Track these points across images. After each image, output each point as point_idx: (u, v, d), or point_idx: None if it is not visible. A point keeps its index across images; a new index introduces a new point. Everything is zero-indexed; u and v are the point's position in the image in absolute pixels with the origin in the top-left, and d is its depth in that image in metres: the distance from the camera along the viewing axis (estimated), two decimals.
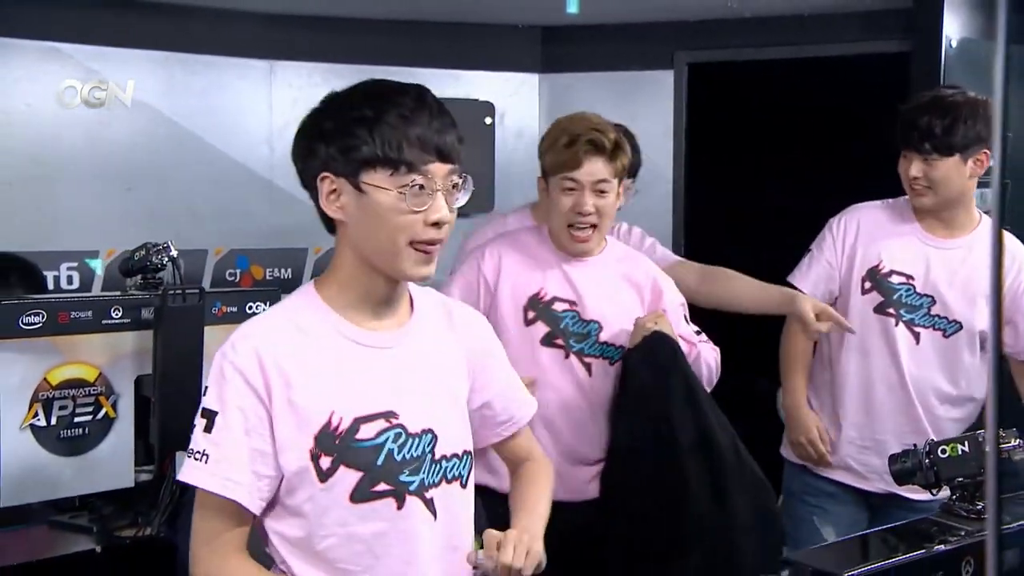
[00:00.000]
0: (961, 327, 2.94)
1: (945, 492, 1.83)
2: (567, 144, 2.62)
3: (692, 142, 4.70)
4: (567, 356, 2.68)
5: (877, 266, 2.97)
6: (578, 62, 4.74)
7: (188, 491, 2.72)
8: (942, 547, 1.64)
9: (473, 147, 4.54)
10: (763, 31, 4.50)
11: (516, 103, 4.78)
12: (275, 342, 1.69)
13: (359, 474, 1.70)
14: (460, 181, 1.73)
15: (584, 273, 2.71)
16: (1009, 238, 3.00)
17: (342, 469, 1.69)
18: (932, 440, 1.83)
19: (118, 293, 2.74)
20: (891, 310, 2.95)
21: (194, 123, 4.29)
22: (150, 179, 4.19)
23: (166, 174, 4.22)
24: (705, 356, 2.77)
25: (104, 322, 2.60)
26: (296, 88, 4.47)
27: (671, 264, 3.11)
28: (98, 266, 4.08)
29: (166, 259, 2.73)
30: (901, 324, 2.94)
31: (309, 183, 1.74)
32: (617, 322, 2.70)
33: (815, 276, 3.04)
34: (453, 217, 1.72)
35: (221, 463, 1.65)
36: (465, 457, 1.82)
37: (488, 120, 4.68)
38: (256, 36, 4.35)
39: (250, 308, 2.88)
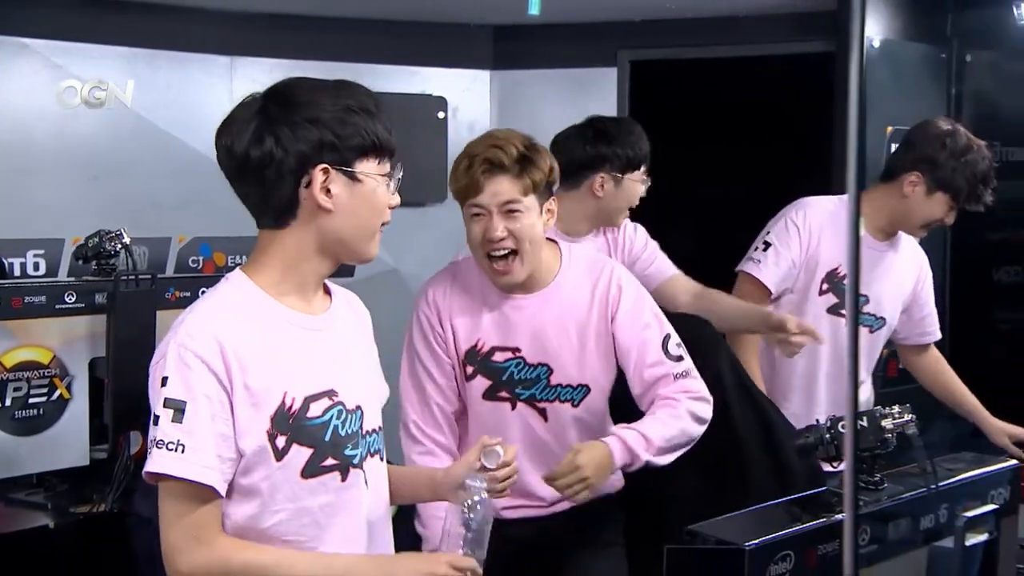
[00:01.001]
0: (885, 323, 2.99)
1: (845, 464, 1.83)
2: (467, 167, 2.27)
3: None
4: (514, 407, 2.35)
5: (835, 270, 2.94)
6: (527, 59, 4.71)
7: (142, 468, 2.71)
8: (840, 516, 1.63)
9: (427, 140, 4.58)
10: (700, 31, 4.49)
11: (468, 98, 4.75)
12: (229, 328, 1.64)
13: (310, 450, 1.68)
14: None
15: (528, 312, 2.33)
16: (913, 243, 3.07)
17: (295, 447, 1.67)
18: (833, 416, 1.83)
19: (72, 279, 2.71)
20: (842, 311, 2.94)
21: (158, 116, 4.23)
22: (116, 170, 4.12)
23: (131, 166, 4.15)
24: (685, 413, 2.28)
25: (58, 307, 2.57)
26: (258, 83, 4.28)
27: (667, 277, 2.93)
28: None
29: (119, 246, 2.70)
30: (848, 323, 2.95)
31: (288, 172, 1.65)
32: (576, 358, 2.33)
33: (783, 274, 2.93)
34: None
35: (197, 452, 1.59)
36: (380, 432, 1.83)
37: (441, 114, 4.65)
38: (218, 32, 4.29)
39: (203, 292, 2.85)
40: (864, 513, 1.69)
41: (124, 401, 2.60)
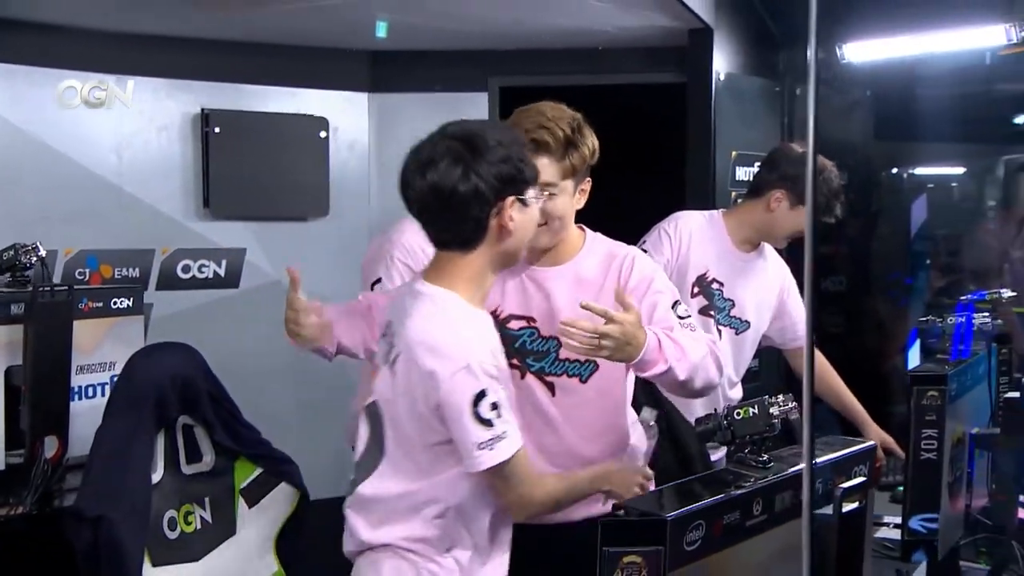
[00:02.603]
0: (750, 326, 3.15)
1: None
2: None
3: None
4: (523, 376, 2.28)
5: (704, 274, 3.09)
6: (403, 83, 4.76)
7: (58, 471, 2.64)
8: (738, 491, 1.77)
9: (309, 158, 4.58)
10: (564, 60, 4.65)
11: (348, 119, 4.76)
12: (488, 336, 2.02)
13: None
14: None
15: (547, 284, 2.29)
16: (775, 256, 3.26)
17: None
18: (729, 405, 1.97)
19: None
20: (712, 312, 3.09)
21: (43, 132, 4.09)
22: (1, 184, 3.96)
23: (18, 180, 4.00)
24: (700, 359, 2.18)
25: None
26: (144, 101, 4.32)
27: None
28: None
29: (35, 258, 2.63)
30: (717, 324, 3.10)
31: (486, 203, 1.95)
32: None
33: None
34: None
35: (517, 428, 1.96)
36: None
37: (323, 133, 4.64)
38: (101, 52, 4.17)
39: (115, 304, 2.80)
40: (756, 488, 1.83)
41: (41, 407, 2.53)
